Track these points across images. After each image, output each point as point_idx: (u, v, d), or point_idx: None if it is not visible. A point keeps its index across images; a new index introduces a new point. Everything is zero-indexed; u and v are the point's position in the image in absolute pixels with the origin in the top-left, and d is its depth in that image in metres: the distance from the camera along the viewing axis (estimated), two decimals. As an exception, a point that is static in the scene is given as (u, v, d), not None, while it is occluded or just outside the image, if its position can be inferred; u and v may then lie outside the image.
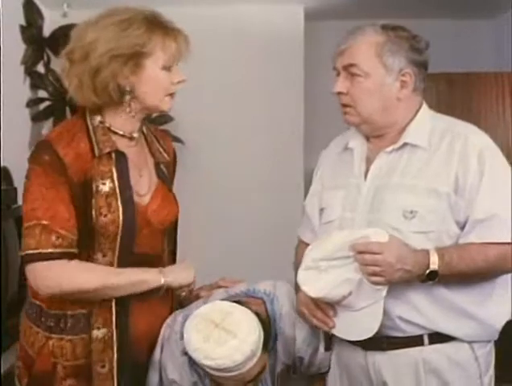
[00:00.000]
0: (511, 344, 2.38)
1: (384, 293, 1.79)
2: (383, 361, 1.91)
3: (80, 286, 1.83)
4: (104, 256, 1.87)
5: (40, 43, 3.67)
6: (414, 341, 1.88)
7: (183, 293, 2.01)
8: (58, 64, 1.93)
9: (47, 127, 3.70)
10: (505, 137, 3.97)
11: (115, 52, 1.82)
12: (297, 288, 1.89)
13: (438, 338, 1.87)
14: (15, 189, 2.98)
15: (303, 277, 1.84)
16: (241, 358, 1.71)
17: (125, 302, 1.88)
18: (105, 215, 1.84)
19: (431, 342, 1.87)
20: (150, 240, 1.95)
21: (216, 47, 4.01)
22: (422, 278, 1.79)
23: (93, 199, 1.84)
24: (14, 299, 2.70)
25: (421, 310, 1.85)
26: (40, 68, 3.71)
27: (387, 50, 1.89)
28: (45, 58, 3.71)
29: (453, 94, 4.02)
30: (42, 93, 3.73)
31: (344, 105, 1.95)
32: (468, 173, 1.83)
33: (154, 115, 3.83)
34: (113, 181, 1.87)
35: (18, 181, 2.66)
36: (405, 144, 1.92)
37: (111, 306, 1.87)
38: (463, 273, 1.81)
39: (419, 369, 1.88)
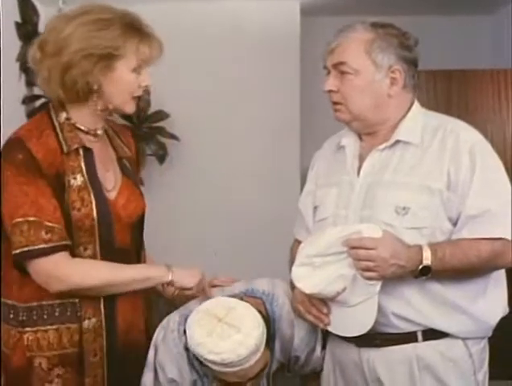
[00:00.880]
0: (504, 340, 2.38)
1: (378, 288, 1.79)
2: (377, 358, 1.90)
3: (91, 282, 1.85)
4: (85, 249, 1.88)
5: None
6: (408, 337, 1.88)
7: (176, 292, 2.01)
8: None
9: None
10: (501, 134, 3.99)
11: (88, 51, 1.83)
12: (292, 285, 1.89)
13: (432, 334, 1.87)
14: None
15: (297, 273, 1.84)
16: (246, 352, 1.70)
17: None
18: (79, 209, 1.86)
19: (425, 339, 1.87)
20: (121, 235, 1.95)
21: (211, 43, 4.01)
22: (415, 274, 1.79)
23: (66, 193, 1.85)
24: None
25: (415, 306, 1.85)
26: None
27: (376, 47, 1.90)
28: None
29: (450, 91, 4.04)
30: (38, 90, 3.73)
31: (335, 103, 1.96)
32: (460, 169, 1.83)
33: (150, 112, 3.87)
34: (83, 175, 1.88)
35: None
36: (397, 141, 1.92)
37: (99, 296, 1.89)
38: (456, 269, 1.81)
39: (412, 366, 1.88)
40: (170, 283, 1.92)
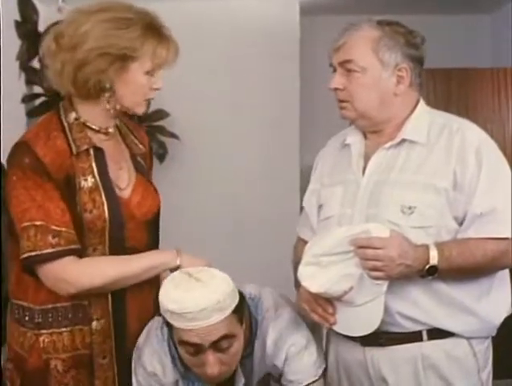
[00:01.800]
0: (507, 340, 2.38)
1: (384, 288, 1.79)
2: (382, 357, 1.90)
3: (101, 281, 1.83)
4: (94, 250, 1.86)
5: (35, 39, 3.64)
6: (413, 337, 1.87)
7: None
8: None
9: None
10: (501, 132, 3.99)
11: (104, 50, 1.80)
12: (297, 284, 1.89)
13: (437, 333, 1.87)
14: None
15: (303, 272, 1.83)
16: (206, 304, 1.65)
17: (120, 291, 1.88)
18: (91, 211, 1.84)
19: (430, 338, 1.87)
20: (136, 234, 1.94)
21: (211, 41, 4.01)
22: (421, 273, 1.79)
23: (77, 195, 1.83)
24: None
25: (420, 305, 1.85)
26: (35, 64, 3.69)
27: (383, 45, 1.89)
28: (40, 53, 3.69)
29: (449, 89, 4.03)
30: (38, 89, 3.72)
31: (341, 100, 1.95)
32: (466, 169, 1.83)
33: (150, 111, 3.86)
34: (94, 177, 1.86)
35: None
36: (403, 140, 1.91)
37: (107, 296, 1.88)
38: (462, 268, 1.81)
39: (417, 365, 1.88)
40: (178, 268, 1.87)
